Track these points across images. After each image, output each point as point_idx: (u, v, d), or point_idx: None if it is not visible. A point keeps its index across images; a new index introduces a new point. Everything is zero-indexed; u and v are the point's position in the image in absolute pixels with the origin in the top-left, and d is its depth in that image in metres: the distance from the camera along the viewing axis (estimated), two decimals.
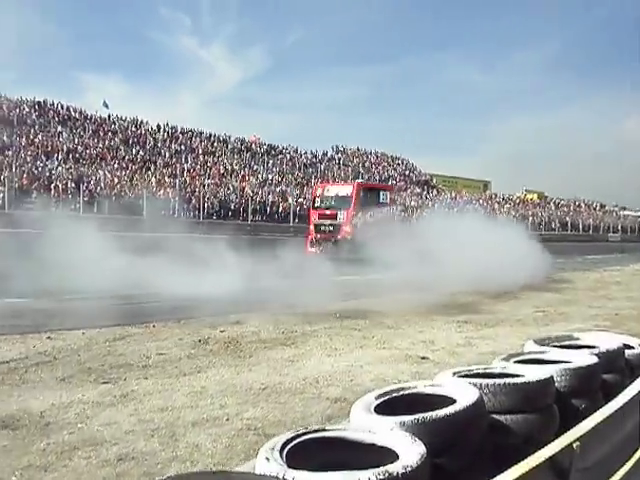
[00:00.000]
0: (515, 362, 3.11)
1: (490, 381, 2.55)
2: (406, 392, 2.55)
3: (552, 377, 2.74)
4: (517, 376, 2.70)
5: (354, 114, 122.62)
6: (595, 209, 68.14)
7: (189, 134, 46.98)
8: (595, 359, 3.09)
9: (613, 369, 3.32)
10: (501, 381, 2.56)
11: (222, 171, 43.03)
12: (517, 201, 61.58)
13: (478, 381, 2.56)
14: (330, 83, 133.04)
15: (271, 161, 48.97)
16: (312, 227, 22.68)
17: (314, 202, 23.27)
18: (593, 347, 3.41)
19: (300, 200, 39.46)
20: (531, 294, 13.01)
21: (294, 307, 9.78)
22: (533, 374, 2.70)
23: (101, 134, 39.89)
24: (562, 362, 3.04)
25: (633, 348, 3.77)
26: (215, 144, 48.01)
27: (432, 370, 6.04)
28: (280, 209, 36.30)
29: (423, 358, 6.56)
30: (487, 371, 2.91)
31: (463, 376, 2.74)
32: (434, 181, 61.64)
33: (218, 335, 7.38)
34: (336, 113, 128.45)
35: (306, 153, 54.15)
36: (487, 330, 8.39)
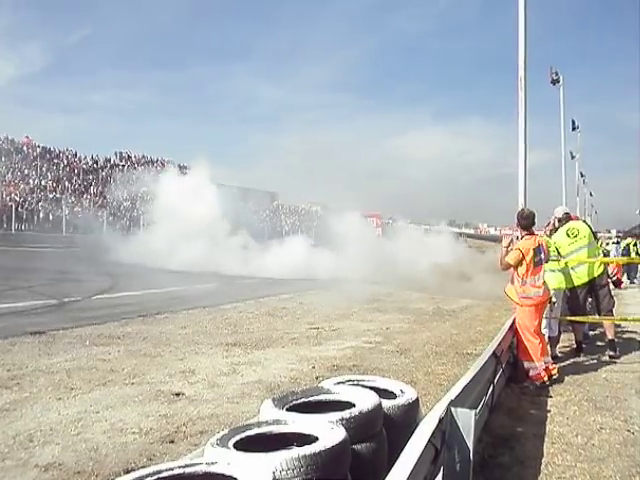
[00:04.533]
0: (236, 446, 2.27)
1: None
2: None
3: None
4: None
5: (143, 120, 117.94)
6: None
7: None
8: (342, 434, 2.37)
9: (367, 437, 2.65)
10: None
11: None
12: (302, 213, 63.11)
13: None
14: (118, 86, 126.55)
15: (45, 165, 44.68)
16: None
17: None
18: (345, 405, 2.75)
19: (76, 209, 36.40)
20: (310, 307, 12.75)
21: (45, 331, 8.32)
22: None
23: None
24: (299, 440, 2.27)
25: (394, 397, 3.17)
26: None
27: (185, 410, 5.18)
28: (52, 218, 33.03)
29: (177, 394, 5.63)
30: (187, 471, 2.02)
31: None
32: None
33: None
34: (124, 118, 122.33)
35: (86, 158, 50.41)
36: (257, 353, 7.69)
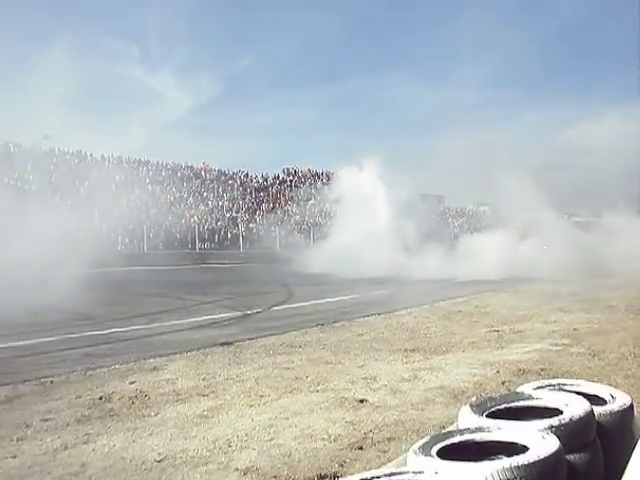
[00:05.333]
0: (439, 454, 2.16)
1: None
2: None
3: None
4: None
5: (305, 135, 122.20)
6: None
7: (135, 164, 45.57)
8: (556, 443, 2.16)
9: (580, 447, 2.39)
10: None
11: (171, 200, 41.89)
12: (470, 214, 61.56)
13: None
14: (279, 106, 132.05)
15: (221, 187, 47.94)
16: None
17: None
18: (551, 412, 2.53)
19: (251, 225, 38.54)
20: (487, 310, 12.32)
21: (233, 342, 8.83)
22: None
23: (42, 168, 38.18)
24: (507, 450, 2.11)
25: (604, 402, 2.87)
26: (163, 173, 46.70)
27: (370, 417, 5.17)
28: (229, 235, 35.27)
29: (361, 401, 5.65)
30: None
31: None
32: None
33: (125, 388, 6.30)
34: (287, 135, 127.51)
35: (257, 177, 53.33)
36: (437, 358, 7.53)
